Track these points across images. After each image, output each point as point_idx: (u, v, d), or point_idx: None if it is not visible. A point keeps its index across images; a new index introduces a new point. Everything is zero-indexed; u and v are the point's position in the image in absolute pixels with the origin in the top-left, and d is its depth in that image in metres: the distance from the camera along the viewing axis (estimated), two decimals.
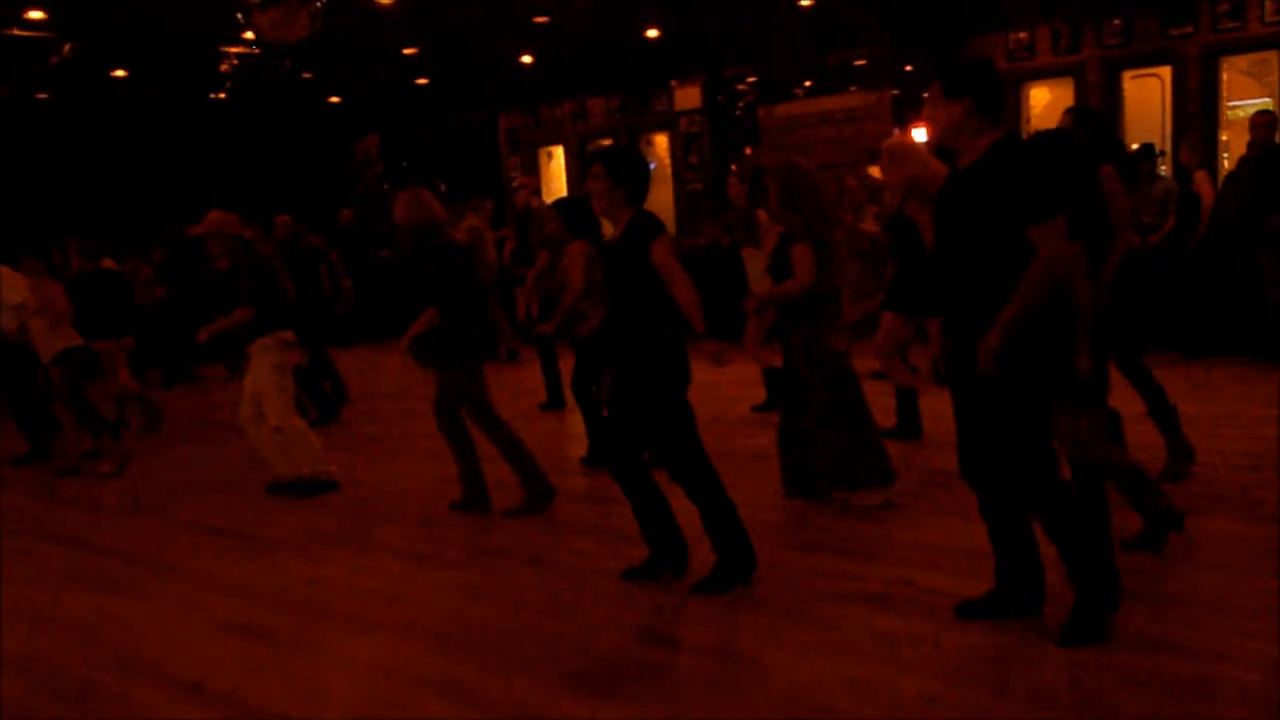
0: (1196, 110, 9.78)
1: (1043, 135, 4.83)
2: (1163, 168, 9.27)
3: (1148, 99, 10.30)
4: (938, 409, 4.68)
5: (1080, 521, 3.42)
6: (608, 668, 3.53)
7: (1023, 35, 10.73)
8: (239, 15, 7.21)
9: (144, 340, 9.97)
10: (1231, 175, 8.16)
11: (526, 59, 12.33)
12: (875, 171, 6.94)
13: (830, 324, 4.86)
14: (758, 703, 3.21)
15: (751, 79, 12.89)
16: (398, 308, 5.25)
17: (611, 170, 4.07)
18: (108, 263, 11.22)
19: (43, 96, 11.96)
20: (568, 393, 6.71)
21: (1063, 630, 3.38)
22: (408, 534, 5.19)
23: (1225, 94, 9.88)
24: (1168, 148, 9.90)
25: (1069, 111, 4.93)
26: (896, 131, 11.11)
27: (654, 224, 4.08)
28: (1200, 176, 8.10)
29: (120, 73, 11.22)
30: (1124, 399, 4.92)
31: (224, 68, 10.66)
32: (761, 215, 7.21)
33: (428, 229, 5.17)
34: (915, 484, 5.14)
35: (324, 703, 3.45)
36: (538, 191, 7.76)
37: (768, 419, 6.27)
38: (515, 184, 7.95)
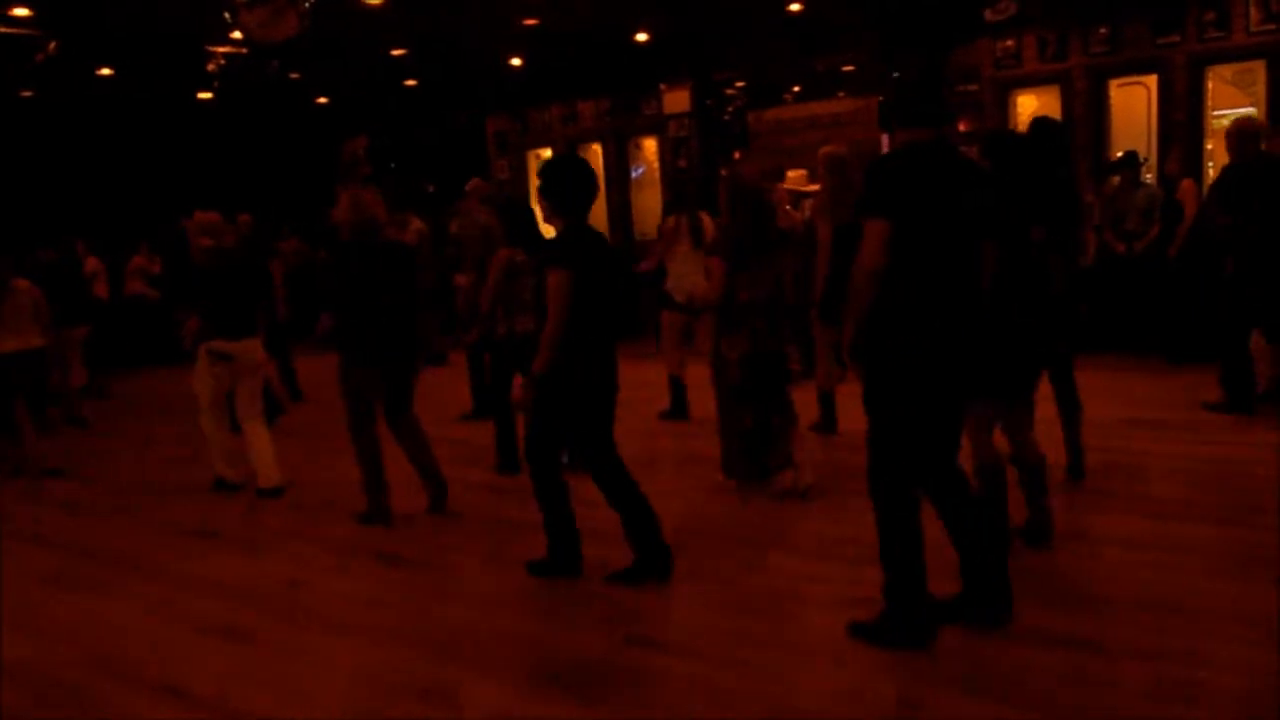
0: (1182, 119, 9.84)
1: (992, 136, 5.00)
2: (1148, 175, 9.32)
3: (1134, 107, 10.35)
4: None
5: (905, 532, 3.42)
6: (591, 671, 3.52)
7: (1009, 43, 10.77)
8: (226, 14, 7.16)
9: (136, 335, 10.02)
10: (1216, 184, 8.18)
11: (516, 61, 12.33)
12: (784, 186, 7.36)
13: (731, 332, 5.14)
14: (743, 707, 3.21)
15: (741, 83, 12.91)
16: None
17: (539, 181, 4.24)
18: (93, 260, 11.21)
19: (27, 94, 11.88)
20: None
21: (865, 624, 3.53)
22: (390, 537, 5.17)
23: (1210, 103, 9.95)
24: (1153, 155, 9.96)
25: (1032, 121, 5.11)
26: (884, 138, 11.17)
27: (560, 249, 4.14)
28: (1186, 185, 8.14)
29: (106, 71, 11.15)
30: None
31: (211, 67, 10.60)
32: (669, 222, 7.34)
33: (366, 229, 5.19)
34: None
35: (307, 706, 3.43)
36: (486, 198, 7.65)
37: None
38: (469, 187, 7.84)
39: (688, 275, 6.68)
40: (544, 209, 4.23)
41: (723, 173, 5.85)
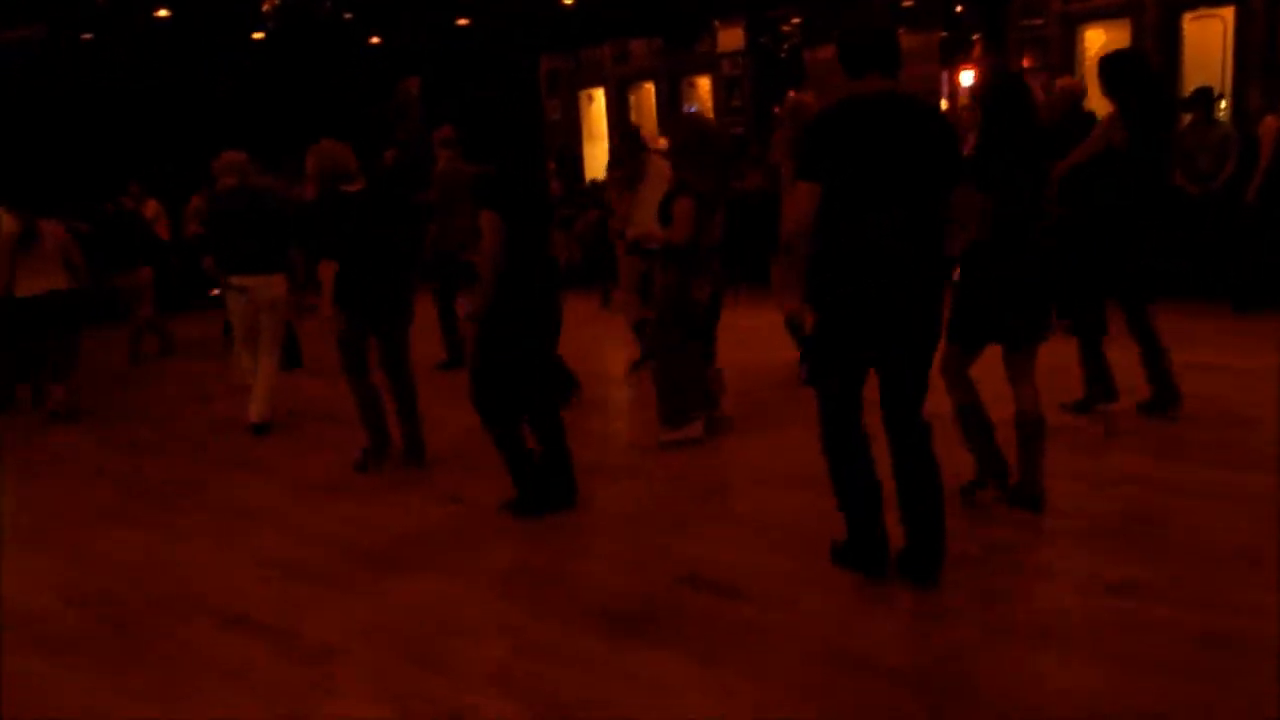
0: (1260, 53, 9.43)
1: (987, 87, 4.97)
2: (1222, 113, 8.98)
3: (1209, 41, 9.95)
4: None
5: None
6: (642, 611, 3.56)
7: None
8: None
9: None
10: None
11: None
12: None
13: (696, 274, 5.17)
14: (793, 648, 3.23)
15: (796, 20, 12.63)
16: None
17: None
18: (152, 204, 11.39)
19: (87, 37, 12.02)
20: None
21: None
22: (449, 477, 5.25)
23: None
24: (1227, 92, 9.57)
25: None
26: (944, 74, 10.87)
27: (489, 190, 4.28)
28: (1267, 123, 7.77)
29: (164, 13, 11.24)
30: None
31: (266, 7, 10.63)
32: (630, 167, 6.92)
33: (330, 178, 5.21)
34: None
35: (369, 637, 3.52)
36: (447, 142, 7.53)
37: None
38: (436, 136, 7.66)
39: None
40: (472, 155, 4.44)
41: (687, 118, 5.96)
